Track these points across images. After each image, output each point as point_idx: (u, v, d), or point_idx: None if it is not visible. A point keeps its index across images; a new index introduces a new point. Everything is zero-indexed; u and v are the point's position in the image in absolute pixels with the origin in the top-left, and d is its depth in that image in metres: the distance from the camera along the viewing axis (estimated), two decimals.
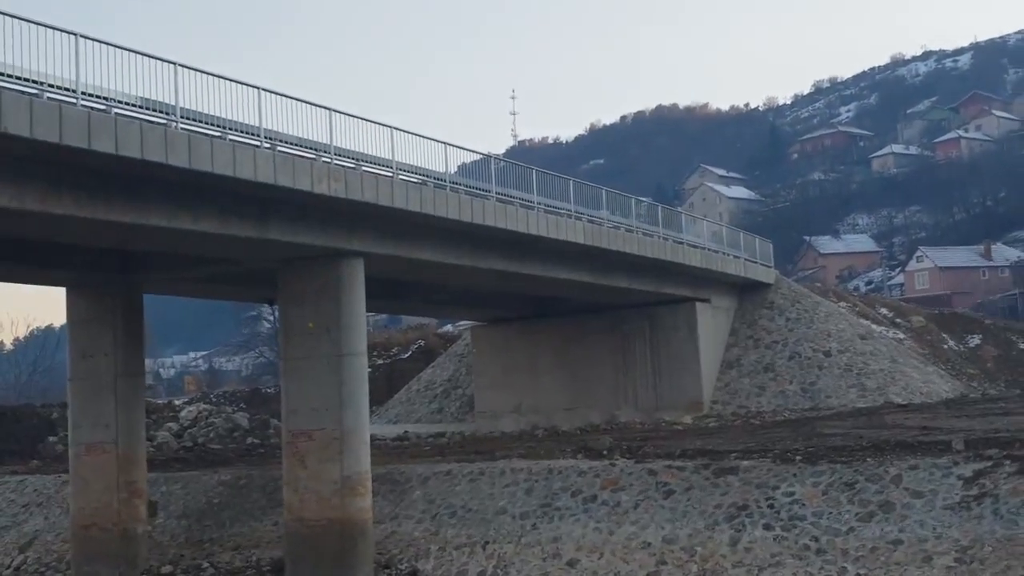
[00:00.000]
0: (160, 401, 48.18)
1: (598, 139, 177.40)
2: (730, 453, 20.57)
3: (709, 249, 35.91)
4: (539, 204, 25.39)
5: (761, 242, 41.43)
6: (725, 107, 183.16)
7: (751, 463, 19.42)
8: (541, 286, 30.32)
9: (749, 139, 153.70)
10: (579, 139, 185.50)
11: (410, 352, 54.37)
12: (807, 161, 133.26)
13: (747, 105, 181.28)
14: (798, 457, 19.52)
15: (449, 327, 67.36)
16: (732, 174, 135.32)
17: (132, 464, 22.36)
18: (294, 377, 20.41)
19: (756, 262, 39.83)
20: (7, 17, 13.51)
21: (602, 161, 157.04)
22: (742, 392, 36.55)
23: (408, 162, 21.10)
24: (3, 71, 13.64)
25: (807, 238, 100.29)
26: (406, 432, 34.28)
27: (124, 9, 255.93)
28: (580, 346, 37.87)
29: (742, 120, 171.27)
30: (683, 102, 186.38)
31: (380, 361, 51.42)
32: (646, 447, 22.69)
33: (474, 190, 23.09)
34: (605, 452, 22.32)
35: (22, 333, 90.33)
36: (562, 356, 38.27)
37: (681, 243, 33.53)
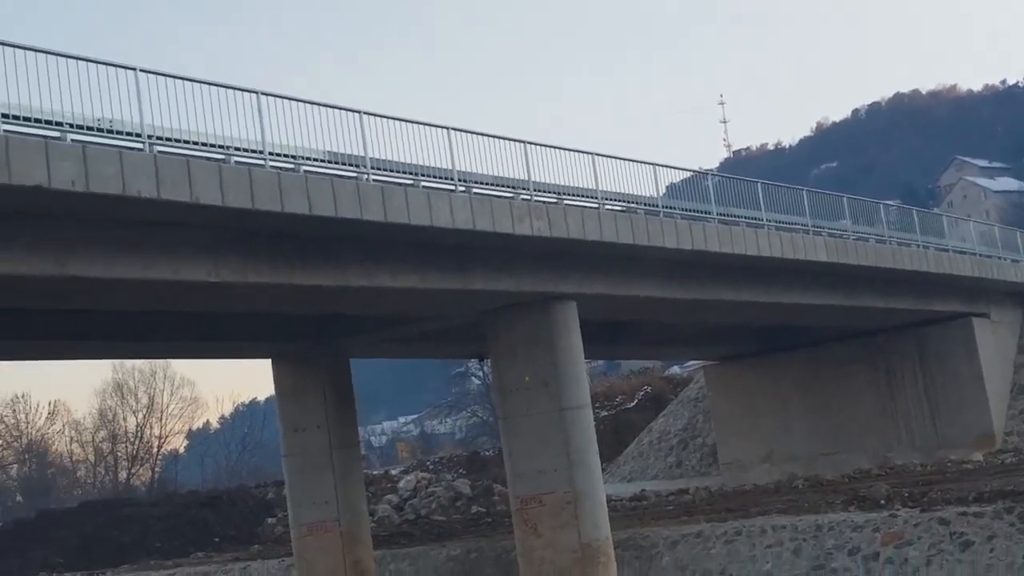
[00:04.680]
0: (375, 472, 49.91)
1: (827, 139, 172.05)
2: None
3: (980, 255, 33.91)
4: (768, 222, 24.72)
5: None
6: (977, 87, 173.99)
7: None
8: (780, 314, 29.44)
9: (1011, 121, 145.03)
10: (804, 142, 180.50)
11: (636, 400, 54.11)
12: None
13: (1004, 82, 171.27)
14: None
15: (676, 369, 66.61)
16: (995, 164, 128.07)
17: (356, 542, 23.19)
18: (515, 437, 20.57)
19: None
20: (195, 83, 14.41)
21: (835, 164, 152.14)
22: None
23: (613, 189, 21.06)
24: (189, 139, 14.53)
25: None
26: (643, 490, 34.12)
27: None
28: (835, 380, 36.45)
29: (1000, 100, 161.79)
30: (926, 86, 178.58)
31: (604, 413, 51.36)
32: (931, 492, 21.59)
33: (691, 213, 22.75)
34: (883, 502, 21.36)
35: (228, 410, 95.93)
36: (815, 393, 36.96)
37: (945, 250, 31.82)
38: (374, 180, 16.45)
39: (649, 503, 30.37)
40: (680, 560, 20.99)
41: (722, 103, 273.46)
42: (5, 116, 12.71)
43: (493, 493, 37.66)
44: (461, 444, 77.86)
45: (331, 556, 23.02)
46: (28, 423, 69.85)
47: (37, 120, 13.04)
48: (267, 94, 15.17)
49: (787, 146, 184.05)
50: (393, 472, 49.33)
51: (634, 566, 21.32)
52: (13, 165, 12.32)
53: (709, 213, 23.10)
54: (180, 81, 14.22)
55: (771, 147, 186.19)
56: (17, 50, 12.76)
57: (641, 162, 21.87)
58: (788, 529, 20.34)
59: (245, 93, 14.94)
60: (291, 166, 15.56)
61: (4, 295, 15.40)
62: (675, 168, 23.06)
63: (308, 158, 15.82)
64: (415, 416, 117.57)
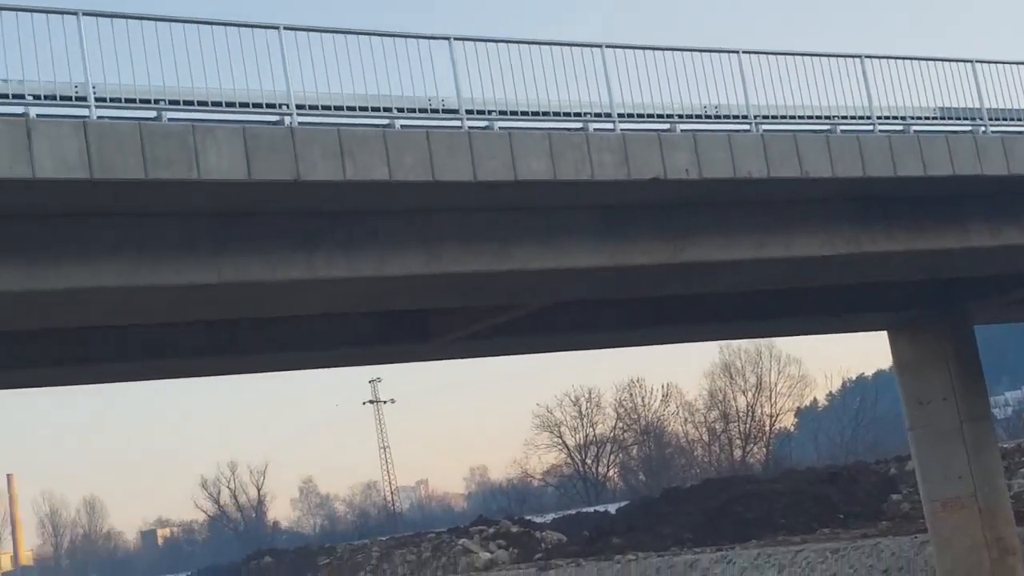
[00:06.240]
0: (1006, 445, 47.22)
1: None
2: None
3: None
4: None
5: None
6: None
7: None
8: None
9: None
10: None
11: None
12: None
13: None
14: None
15: None
16: None
17: (997, 518, 22.45)
18: None
19: None
20: (796, 56, 14.79)
21: None
22: None
23: None
24: (793, 114, 14.89)
25: None
26: None
27: None
28: None
29: None
30: None
31: None
32: None
33: None
34: None
35: (835, 386, 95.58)
36: None
37: None
38: (992, 132, 15.74)
39: None
40: None
41: None
42: (621, 115, 13.92)
43: None
44: None
45: (969, 533, 22.39)
46: (644, 406, 75.51)
47: (650, 116, 14.13)
48: (872, 56, 15.16)
49: None
50: None
51: None
52: (631, 160, 13.46)
53: None
54: (781, 57, 14.62)
55: None
56: (627, 50, 13.94)
57: None
58: None
59: (849, 59, 15.00)
60: (900, 128, 15.33)
61: (624, 286, 16.75)
62: None
63: (918, 117, 15.51)
64: None
